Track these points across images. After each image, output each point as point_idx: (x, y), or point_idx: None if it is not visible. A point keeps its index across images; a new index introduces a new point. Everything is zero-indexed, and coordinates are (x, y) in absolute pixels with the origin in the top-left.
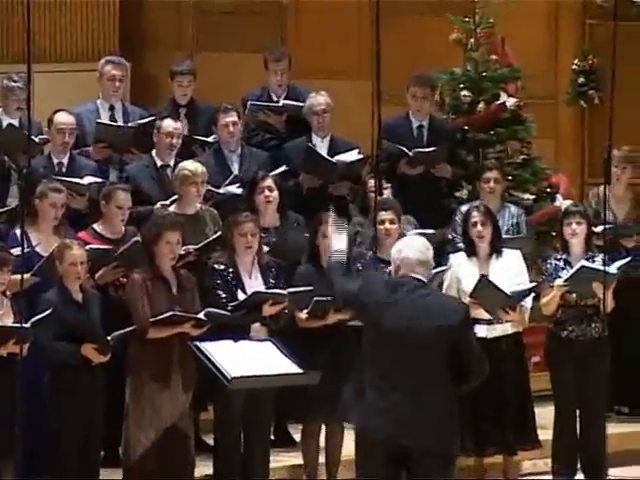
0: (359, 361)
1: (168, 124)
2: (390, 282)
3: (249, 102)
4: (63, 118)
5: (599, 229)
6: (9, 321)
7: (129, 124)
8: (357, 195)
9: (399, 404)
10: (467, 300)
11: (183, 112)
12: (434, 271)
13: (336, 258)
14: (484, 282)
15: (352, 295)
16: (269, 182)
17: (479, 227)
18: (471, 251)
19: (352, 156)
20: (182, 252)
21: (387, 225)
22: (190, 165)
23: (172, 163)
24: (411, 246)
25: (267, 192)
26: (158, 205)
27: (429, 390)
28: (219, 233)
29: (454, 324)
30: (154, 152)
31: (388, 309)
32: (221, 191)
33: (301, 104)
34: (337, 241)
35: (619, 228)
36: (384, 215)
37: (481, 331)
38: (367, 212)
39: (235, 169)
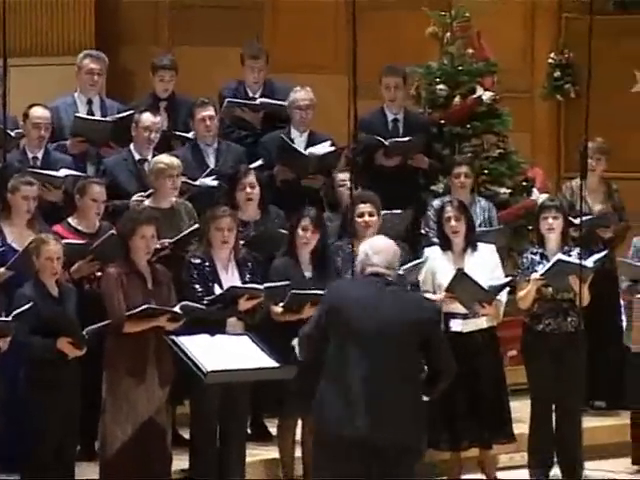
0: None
1: (147, 118)
2: (358, 282)
3: (226, 100)
4: (39, 112)
5: (577, 220)
6: None
7: (107, 118)
8: (326, 189)
9: (370, 401)
10: (443, 294)
11: (163, 106)
12: (410, 264)
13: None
14: (461, 276)
15: (319, 310)
16: (251, 178)
17: (453, 222)
18: (446, 245)
19: (325, 148)
20: (158, 246)
21: (366, 217)
22: (165, 158)
23: (150, 157)
24: (378, 248)
25: (249, 189)
26: (135, 198)
27: (399, 387)
28: (196, 226)
29: (425, 320)
30: (132, 146)
31: (359, 308)
32: (197, 183)
33: (278, 102)
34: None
35: (596, 219)
36: (363, 208)
37: (456, 325)
38: (336, 207)
39: (211, 163)
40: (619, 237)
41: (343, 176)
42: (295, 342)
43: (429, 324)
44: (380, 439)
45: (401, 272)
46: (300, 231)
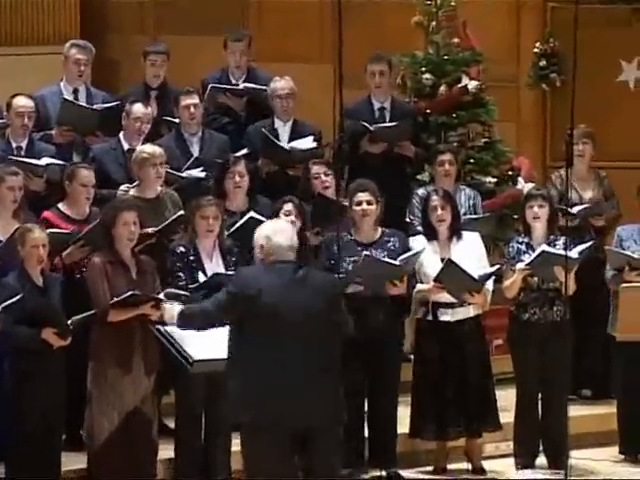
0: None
1: (138, 109)
2: (270, 269)
3: (210, 85)
4: (22, 102)
5: (575, 209)
6: None
7: (95, 107)
8: (301, 180)
9: (299, 385)
10: (432, 284)
11: (154, 95)
12: (408, 255)
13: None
14: (450, 265)
15: (228, 298)
16: (240, 167)
17: (439, 211)
18: (431, 235)
19: (307, 143)
20: (145, 231)
21: (364, 206)
22: (148, 148)
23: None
24: (281, 233)
25: (237, 178)
26: (122, 188)
27: (322, 367)
28: (180, 212)
29: (337, 295)
30: (122, 135)
31: (280, 295)
32: (184, 175)
33: (261, 87)
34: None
35: (591, 208)
36: (361, 196)
37: (444, 315)
38: (309, 198)
39: (195, 152)
40: (610, 225)
41: (317, 168)
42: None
43: (337, 299)
44: (309, 421)
45: (399, 263)
46: (282, 217)
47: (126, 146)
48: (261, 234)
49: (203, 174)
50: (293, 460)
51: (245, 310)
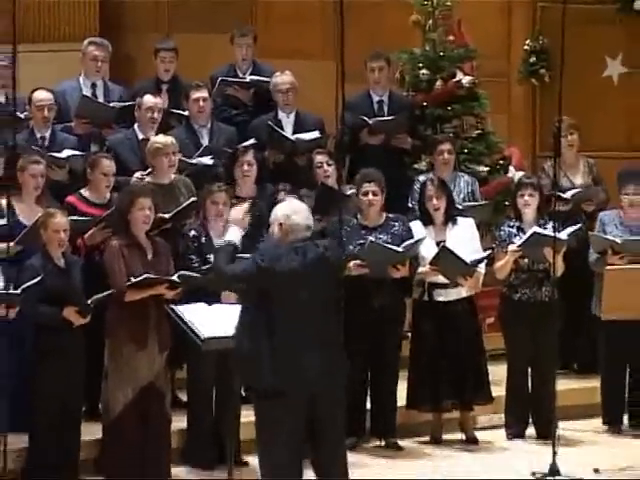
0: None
1: (148, 99)
2: (289, 246)
3: (219, 78)
4: (41, 95)
5: (569, 194)
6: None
7: (111, 104)
8: (305, 168)
9: (315, 354)
10: (427, 267)
11: (165, 88)
12: (411, 241)
13: (224, 246)
14: (444, 251)
15: (255, 271)
16: (249, 157)
17: (434, 200)
18: (427, 220)
19: (312, 135)
20: (160, 216)
21: (370, 197)
22: (161, 138)
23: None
24: (299, 212)
25: (246, 166)
26: (136, 175)
27: (331, 336)
28: (193, 199)
29: (341, 273)
30: (136, 126)
31: (297, 270)
32: (193, 161)
33: (267, 79)
34: (231, 232)
35: (583, 192)
36: (368, 187)
37: (439, 295)
38: (313, 186)
39: (205, 142)
40: (601, 209)
41: (321, 158)
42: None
43: (341, 276)
44: (321, 386)
45: (401, 249)
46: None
47: (141, 136)
48: (280, 213)
49: (211, 161)
50: (302, 432)
51: (268, 282)
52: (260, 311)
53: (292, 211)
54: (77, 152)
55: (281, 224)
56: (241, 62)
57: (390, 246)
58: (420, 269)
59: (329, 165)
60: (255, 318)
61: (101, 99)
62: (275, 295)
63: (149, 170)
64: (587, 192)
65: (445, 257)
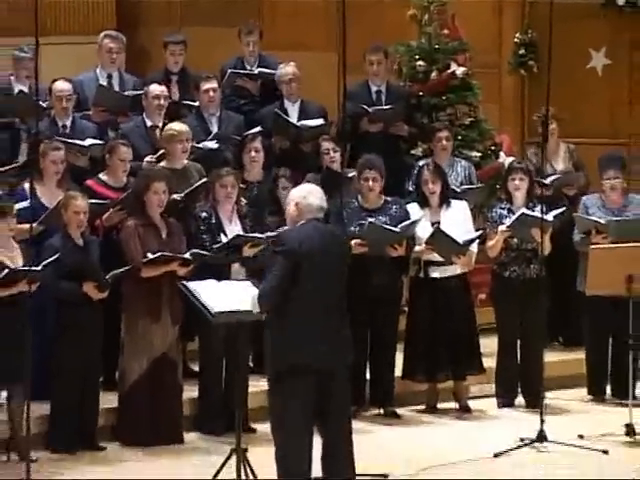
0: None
1: (154, 88)
2: (306, 227)
3: (230, 70)
4: (60, 85)
5: (549, 180)
6: (20, 263)
7: (126, 93)
8: (310, 155)
9: (329, 329)
10: (423, 246)
11: (175, 79)
12: (407, 222)
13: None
14: (438, 232)
15: (286, 261)
16: (257, 143)
17: (430, 184)
18: (423, 202)
19: (316, 122)
20: (172, 198)
21: (371, 182)
22: (176, 125)
23: (160, 124)
24: (314, 194)
25: (253, 152)
26: (148, 158)
27: (341, 313)
28: (204, 179)
29: (348, 251)
30: (144, 114)
31: (314, 254)
32: (200, 146)
33: (273, 72)
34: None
35: (563, 177)
36: (368, 173)
37: (434, 272)
38: (318, 170)
39: (215, 130)
40: (583, 193)
41: (327, 144)
42: (254, 298)
43: (348, 254)
44: (337, 362)
45: (399, 230)
46: (281, 190)
47: (149, 123)
48: (297, 193)
49: (216, 145)
50: (313, 403)
51: (295, 270)
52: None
53: (308, 192)
54: (98, 141)
55: (297, 203)
56: (248, 56)
57: (388, 226)
58: (416, 248)
59: (335, 152)
60: (282, 299)
61: (117, 89)
62: (296, 274)
63: (159, 154)
64: (567, 177)
65: (439, 237)
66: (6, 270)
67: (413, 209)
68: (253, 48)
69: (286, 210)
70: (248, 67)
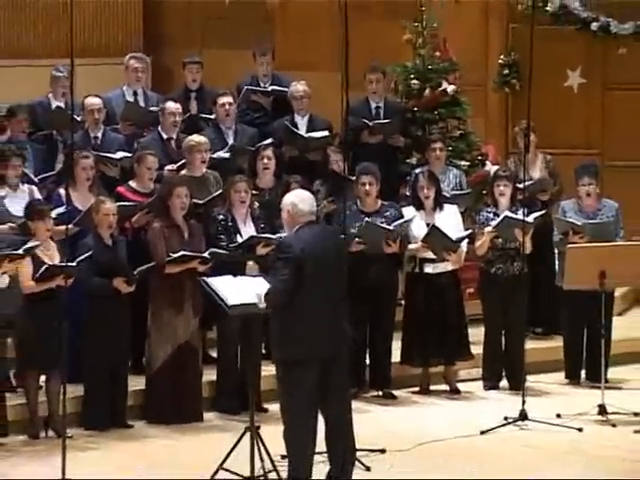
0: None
1: (170, 105)
2: (302, 231)
3: (246, 87)
4: (92, 100)
5: (521, 185)
6: (57, 261)
7: (150, 108)
8: (317, 163)
9: (331, 319)
10: (419, 243)
11: (194, 96)
12: (401, 221)
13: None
14: (433, 230)
15: (291, 264)
16: (269, 152)
17: (425, 190)
18: (419, 206)
19: (322, 133)
20: (194, 202)
21: (367, 187)
22: (196, 137)
23: (174, 137)
24: (304, 200)
25: (266, 160)
26: (168, 167)
27: (341, 305)
28: (220, 191)
29: (345, 249)
30: (160, 128)
31: (314, 249)
32: (214, 156)
33: (284, 89)
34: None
35: (536, 184)
36: (365, 178)
37: (428, 268)
38: (325, 176)
39: (230, 141)
40: (555, 199)
41: (334, 156)
42: (260, 294)
43: (345, 252)
44: (335, 349)
45: (392, 228)
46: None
47: (165, 136)
48: (288, 201)
49: (228, 155)
50: (318, 387)
51: (301, 270)
52: (296, 289)
53: (298, 200)
54: (128, 154)
55: (288, 211)
56: (262, 75)
57: (384, 225)
58: (412, 246)
59: (342, 161)
60: (286, 295)
61: (142, 104)
62: (299, 274)
63: (180, 163)
64: (540, 183)
65: (434, 235)
66: (45, 266)
67: (408, 212)
68: (266, 67)
69: (281, 216)
70: (262, 84)
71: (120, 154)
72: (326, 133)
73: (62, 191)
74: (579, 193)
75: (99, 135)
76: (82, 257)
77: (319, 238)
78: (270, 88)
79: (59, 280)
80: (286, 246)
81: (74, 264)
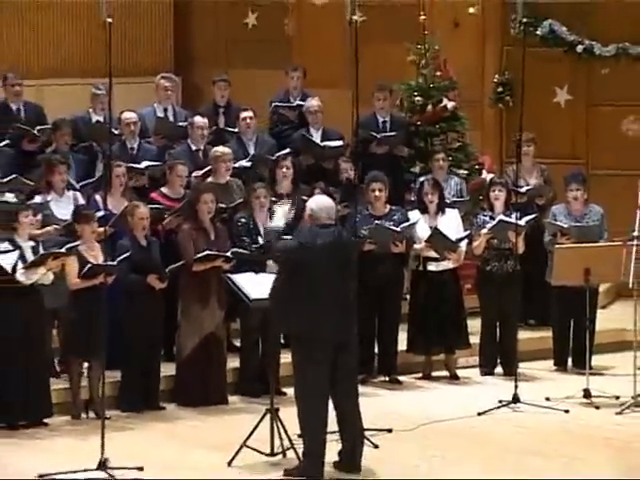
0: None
1: (198, 120)
2: (317, 230)
3: (273, 104)
4: (128, 114)
5: (524, 189)
6: (101, 260)
7: (179, 123)
8: (330, 172)
9: (338, 311)
10: (423, 244)
11: (222, 111)
12: (407, 224)
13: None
14: (436, 232)
15: (295, 246)
16: (288, 162)
17: (429, 195)
18: (424, 210)
19: (336, 143)
20: (219, 207)
21: (377, 193)
22: (221, 148)
23: (202, 148)
24: (324, 205)
25: (285, 169)
26: (194, 174)
27: (351, 298)
28: (241, 200)
29: (356, 249)
30: (189, 140)
31: (325, 247)
32: (236, 165)
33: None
34: (276, 219)
35: (535, 190)
36: (374, 185)
37: (431, 266)
38: (338, 184)
39: (252, 152)
40: (549, 204)
41: (345, 165)
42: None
43: (355, 251)
44: (345, 336)
45: (399, 230)
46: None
47: (194, 147)
48: (310, 205)
49: (249, 164)
50: (329, 371)
51: (305, 255)
52: (294, 278)
53: (315, 205)
54: (153, 162)
55: (309, 214)
56: (292, 89)
57: (391, 227)
58: (417, 246)
59: (352, 170)
60: (290, 284)
61: (171, 120)
62: (310, 265)
63: (204, 171)
64: (539, 190)
65: (437, 236)
66: (89, 265)
67: (414, 215)
68: (296, 82)
69: (304, 215)
70: (291, 99)
71: (145, 163)
72: (340, 143)
73: (98, 197)
74: (568, 198)
75: (135, 146)
76: (121, 257)
77: (327, 238)
78: (296, 103)
79: (101, 278)
80: (282, 248)
81: (114, 263)
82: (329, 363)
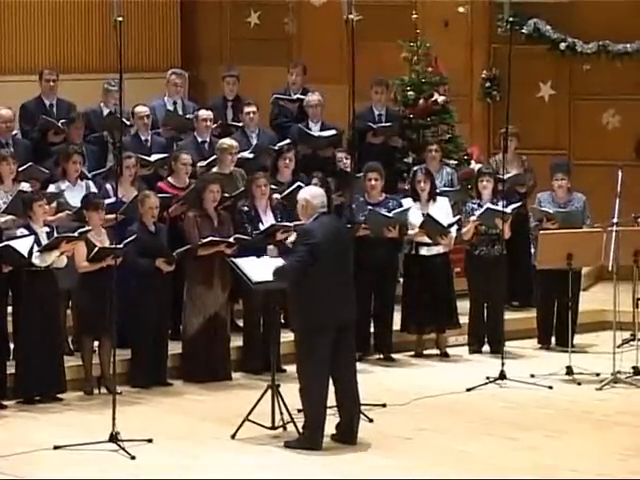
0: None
1: (203, 113)
2: (318, 220)
3: (274, 96)
4: (141, 108)
5: (505, 177)
6: (107, 244)
7: (187, 116)
8: (326, 161)
9: (343, 294)
10: (416, 230)
11: (230, 104)
12: (400, 209)
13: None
14: (428, 218)
15: (312, 247)
16: (291, 154)
17: (422, 184)
18: (416, 198)
19: (330, 132)
20: (224, 195)
21: (372, 182)
22: (227, 140)
23: (208, 140)
24: (316, 195)
25: (287, 160)
26: (199, 164)
27: (350, 281)
28: (242, 189)
29: (352, 234)
30: (195, 132)
31: (330, 237)
32: (239, 156)
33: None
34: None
35: (514, 177)
36: (371, 175)
37: (423, 251)
38: (334, 173)
39: (254, 143)
40: (530, 192)
41: (341, 154)
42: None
43: (352, 237)
44: (347, 318)
45: (392, 215)
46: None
47: (199, 139)
48: (302, 197)
49: (251, 155)
50: (330, 350)
51: (318, 250)
52: (314, 262)
53: (309, 195)
54: (162, 155)
55: (302, 205)
56: (292, 85)
57: (385, 213)
58: (410, 232)
59: (347, 159)
60: (311, 267)
61: (180, 112)
62: (322, 255)
63: (208, 161)
64: (519, 178)
65: (429, 222)
66: (96, 249)
67: (407, 202)
68: (295, 77)
69: (297, 206)
70: (292, 92)
71: (155, 157)
72: (333, 132)
73: (108, 186)
74: (553, 186)
75: (148, 138)
76: (127, 240)
77: (332, 226)
78: (295, 96)
79: (109, 260)
80: (308, 231)
81: (121, 246)
82: (332, 342)
